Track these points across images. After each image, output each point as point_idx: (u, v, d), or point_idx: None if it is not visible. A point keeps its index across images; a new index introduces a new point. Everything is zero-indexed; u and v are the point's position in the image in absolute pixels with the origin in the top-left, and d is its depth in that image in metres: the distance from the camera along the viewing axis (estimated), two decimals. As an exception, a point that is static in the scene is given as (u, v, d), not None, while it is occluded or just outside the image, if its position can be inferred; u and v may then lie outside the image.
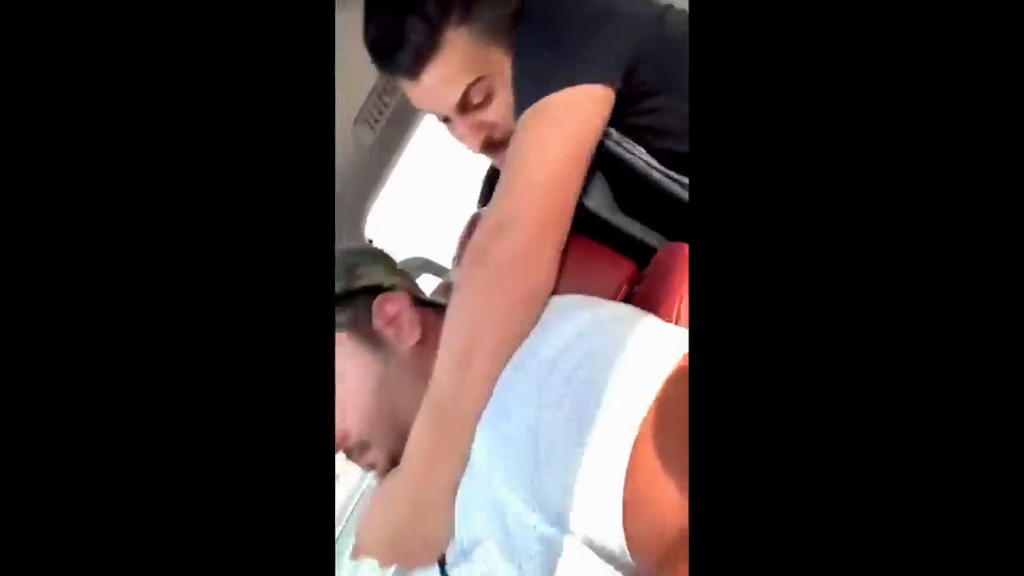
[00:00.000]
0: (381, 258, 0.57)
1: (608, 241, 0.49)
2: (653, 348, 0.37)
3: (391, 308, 0.49)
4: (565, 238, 0.45)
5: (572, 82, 0.44)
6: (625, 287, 0.47)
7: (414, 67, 0.51)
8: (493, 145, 0.56)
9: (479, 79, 0.52)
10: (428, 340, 0.48)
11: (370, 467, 0.49)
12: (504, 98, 0.53)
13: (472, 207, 0.66)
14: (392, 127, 0.77)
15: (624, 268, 0.48)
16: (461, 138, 0.57)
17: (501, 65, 0.52)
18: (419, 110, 0.82)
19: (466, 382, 0.41)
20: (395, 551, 0.43)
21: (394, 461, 0.45)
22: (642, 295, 0.47)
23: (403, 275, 0.56)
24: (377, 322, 0.49)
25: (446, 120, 0.57)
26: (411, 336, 0.48)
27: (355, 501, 0.61)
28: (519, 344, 0.41)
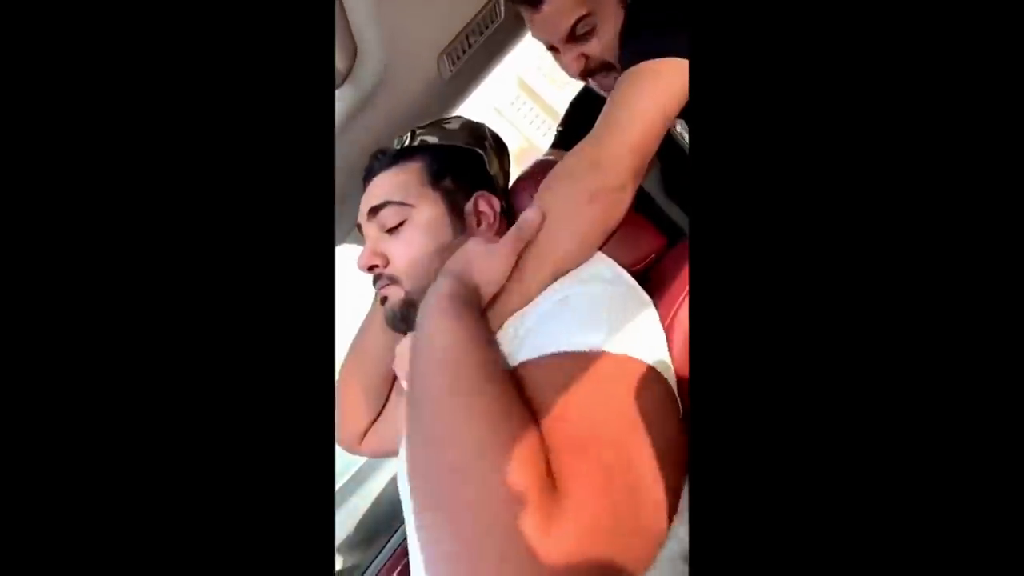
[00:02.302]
0: (503, 151, 0.66)
1: (645, 211, 0.56)
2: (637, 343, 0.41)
3: (484, 205, 0.57)
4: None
5: (681, 54, 0.50)
6: (652, 257, 0.54)
7: None
8: (590, 72, 0.67)
9: (587, 14, 0.61)
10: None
11: (383, 300, 0.56)
12: (604, 35, 0.63)
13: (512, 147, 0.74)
14: (470, 66, 0.83)
15: (654, 241, 0.54)
16: (565, 66, 0.67)
17: (606, 6, 0.61)
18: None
19: (522, 281, 0.46)
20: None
21: (406, 304, 0.53)
22: (657, 275, 0.53)
23: (503, 172, 0.64)
24: (469, 206, 0.56)
25: (552, 49, 0.67)
26: (486, 232, 0.56)
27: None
28: (573, 268, 0.47)
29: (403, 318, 0.54)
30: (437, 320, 0.40)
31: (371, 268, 0.56)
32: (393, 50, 0.65)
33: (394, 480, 1.66)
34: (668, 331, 0.45)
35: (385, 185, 0.57)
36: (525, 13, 0.65)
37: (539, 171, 0.60)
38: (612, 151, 0.49)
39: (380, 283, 0.55)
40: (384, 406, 0.71)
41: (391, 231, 0.55)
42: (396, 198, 0.55)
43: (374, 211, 0.56)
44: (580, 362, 0.37)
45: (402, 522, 1.01)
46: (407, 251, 0.54)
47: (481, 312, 0.45)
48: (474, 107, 0.94)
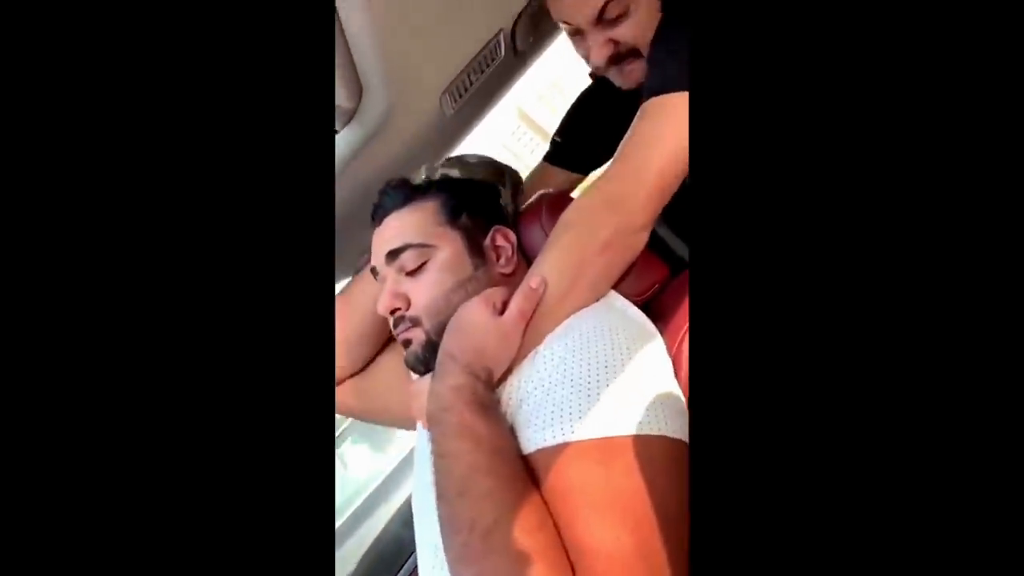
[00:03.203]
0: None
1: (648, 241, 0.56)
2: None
3: (501, 239, 0.57)
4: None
5: None
6: (656, 287, 0.54)
7: None
8: (617, 60, 0.62)
9: None
10: (512, 278, 0.56)
11: (406, 343, 0.55)
12: (636, 19, 0.58)
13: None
14: (471, 103, 0.85)
15: (657, 271, 0.55)
16: (588, 51, 0.62)
17: None
18: (494, 94, 0.91)
19: (545, 314, 0.47)
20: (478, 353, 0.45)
21: (429, 346, 0.52)
22: (661, 305, 0.53)
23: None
24: (487, 242, 0.56)
25: (575, 34, 0.63)
26: (506, 267, 0.56)
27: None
28: (588, 304, 0.47)
29: (425, 360, 0.53)
30: (454, 442, 0.40)
31: (393, 311, 0.55)
32: (397, 89, 0.67)
33: (396, 517, 1.63)
34: (675, 361, 0.44)
35: (402, 226, 0.56)
36: None
37: (542, 206, 0.60)
38: (631, 192, 0.47)
39: (402, 326, 0.54)
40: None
41: (411, 273, 0.54)
42: (416, 240, 0.54)
43: (393, 254, 0.55)
44: (592, 454, 0.38)
45: (405, 560, 0.99)
46: (429, 292, 0.53)
47: (494, 387, 0.45)
48: (476, 141, 0.96)
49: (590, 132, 0.85)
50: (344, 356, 0.68)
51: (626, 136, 0.51)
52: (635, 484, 0.36)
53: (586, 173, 0.89)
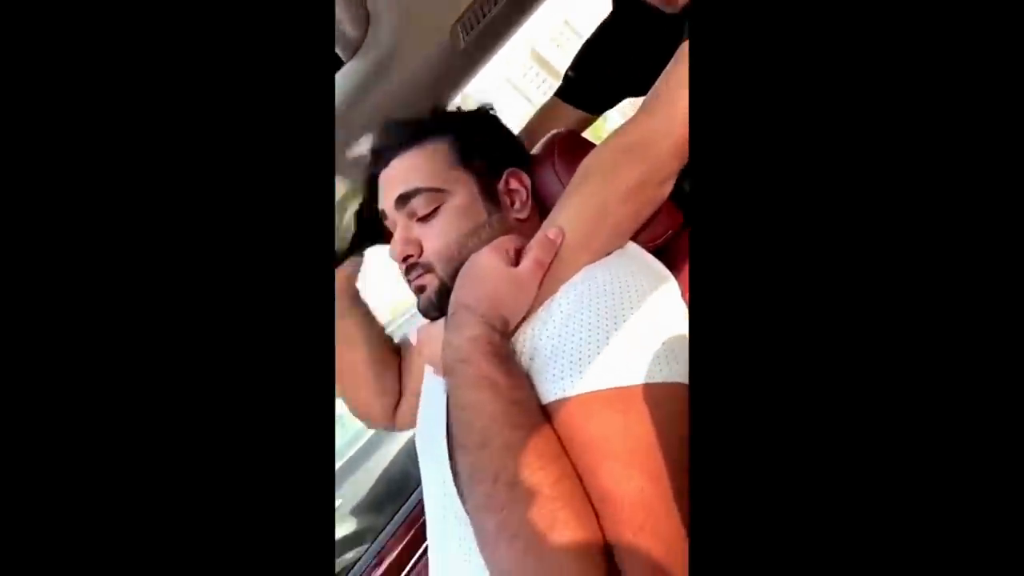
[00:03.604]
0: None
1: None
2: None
3: (515, 182, 0.55)
4: None
5: None
6: (670, 233, 0.53)
7: None
8: None
9: None
10: (527, 224, 0.55)
11: (419, 289, 0.54)
12: None
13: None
14: (484, 37, 0.81)
15: (672, 218, 0.54)
16: None
17: None
18: (508, 28, 0.86)
19: (562, 263, 0.45)
20: (493, 304, 0.45)
21: (442, 292, 0.51)
22: (675, 250, 0.52)
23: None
24: (501, 186, 0.55)
25: None
26: (520, 212, 0.55)
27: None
28: (606, 254, 0.46)
29: (438, 306, 0.52)
30: (472, 393, 0.40)
31: (405, 258, 0.54)
32: (406, 19, 0.63)
33: (402, 451, 1.70)
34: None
35: (410, 168, 0.54)
36: None
37: (554, 147, 0.59)
38: (658, 141, 0.45)
39: (415, 272, 0.54)
40: (401, 387, 0.72)
41: (423, 218, 0.53)
42: (427, 184, 0.52)
43: (404, 199, 0.53)
44: (611, 404, 0.38)
45: (411, 491, 1.04)
46: (442, 238, 0.52)
47: (509, 337, 0.45)
48: (487, 79, 0.92)
49: (605, 69, 0.80)
50: (388, 385, 0.70)
51: (660, 79, 0.47)
52: (654, 432, 0.37)
53: (598, 113, 0.84)
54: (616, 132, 0.48)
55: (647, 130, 0.46)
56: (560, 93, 0.82)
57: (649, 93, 0.48)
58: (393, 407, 0.72)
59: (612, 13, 0.82)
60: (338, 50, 0.62)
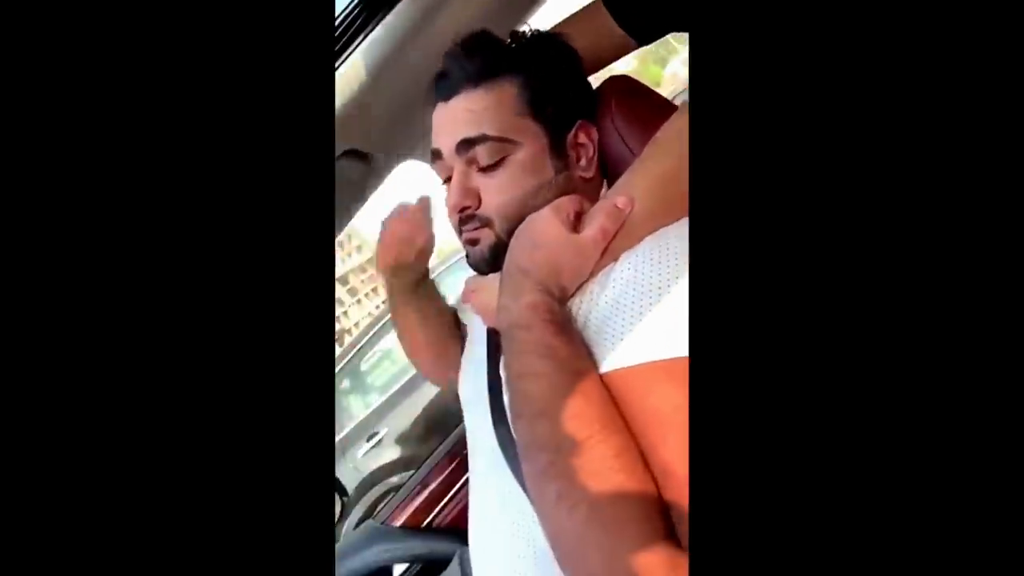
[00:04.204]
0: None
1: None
2: None
3: (583, 136, 0.52)
4: None
5: None
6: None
7: None
8: None
9: None
10: (591, 183, 0.53)
11: (472, 242, 0.51)
12: None
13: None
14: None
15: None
16: None
17: None
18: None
19: (626, 232, 0.43)
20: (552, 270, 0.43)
21: (497, 248, 0.49)
22: None
23: None
24: (570, 138, 0.52)
25: None
26: (587, 169, 0.52)
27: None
28: (669, 223, 0.44)
29: (491, 261, 0.50)
30: (533, 361, 0.39)
31: (462, 209, 0.51)
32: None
33: (442, 392, 1.77)
34: None
35: (477, 110, 0.49)
36: None
37: (611, 99, 0.54)
38: None
39: (471, 224, 0.51)
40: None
41: (485, 168, 0.49)
42: (495, 132, 0.48)
43: (467, 144, 0.49)
44: (672, 375, 0.36)
45: (453, 427, 1.09)
46: (505, 193, 0.49)
47: (566, 301, 0.44)
48: (549, 16, 0.86)
49: None
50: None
51: None
52: None
53: (640, 40, 0.71)
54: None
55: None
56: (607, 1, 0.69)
57: None
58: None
59: None
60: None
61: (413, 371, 2.06)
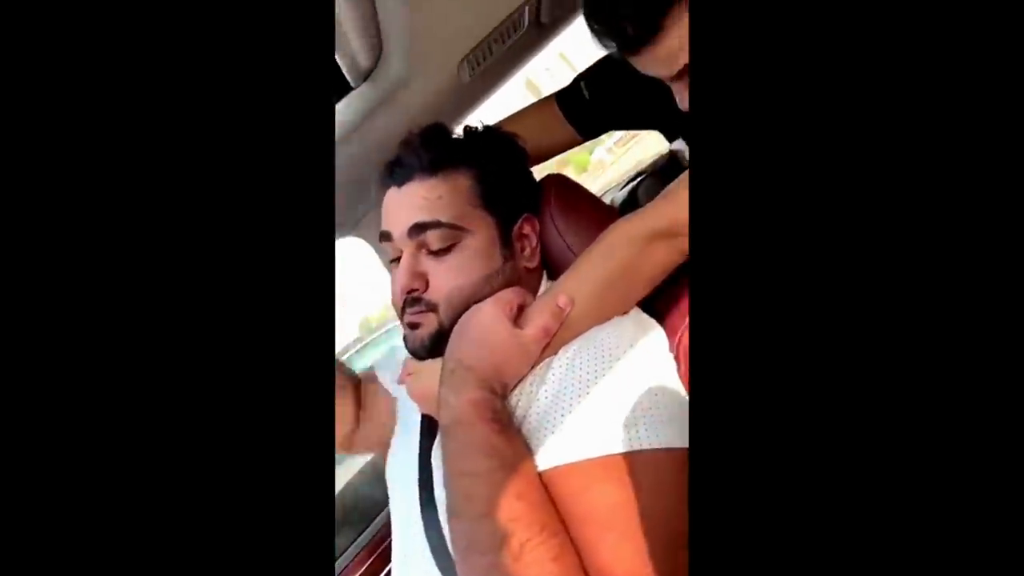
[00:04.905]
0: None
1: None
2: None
3: (528, 228, 0.54)
4: None
5: None
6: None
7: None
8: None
9: None
10: (533, 274, 0.54)
11: (413, 326, 0.50)
12: None
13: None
14: (488, 73, 0.83)
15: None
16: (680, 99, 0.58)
17: None
18: (512, 65, 0.89)
19: (566, 328, 0.45)
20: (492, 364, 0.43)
21: (439, 335, 0.48)
22: (663, 300, 0.51)
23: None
24: (516, 230, 0.53)
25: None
26: (530, 260, 0.54)
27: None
28: (608, 320, 0.46)
29: (431, 348, 0.49)
30: (474, 460, 0.38)
31: (409, 292, 0.50)
32: (417, 53, 0.65)
33: (358, 476, 1.66)
34: (677, 355, 0.45)
35: (431, 197, 0.49)
36: (630, 56, 0.54)
37: (551, 195, 0.58)
38: (682, 231, 0.44)
39: (415, 308, 0.50)
40: (359, 407, 0.70)
41: (435, 253, 0.49)
42: (449, 219, 0.49)
43: (419, 228, 0.49)
44: (609, 473, 0.37)
45: (372, 517, 1.02)
46: (453, 280, 0.49)
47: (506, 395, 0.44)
48: (487, 112, 0.94)
49: (616, 93, 0.74)
50: (348, 412, 0.69)
51: (684, 173, 0.48)
52: (651, 502, 0.36)
53: (587, 138, 0.79)
54: (640, 214, 0.48)
55: (675, 221, 0.45)
56: (562, 99, 0.75)
57: (675, 183, 0.48)
58: (348, 434, 0.69)
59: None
60: (349, 77, 0.64)
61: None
